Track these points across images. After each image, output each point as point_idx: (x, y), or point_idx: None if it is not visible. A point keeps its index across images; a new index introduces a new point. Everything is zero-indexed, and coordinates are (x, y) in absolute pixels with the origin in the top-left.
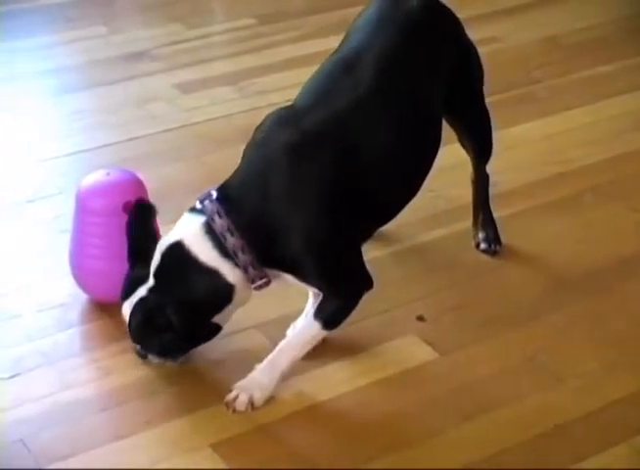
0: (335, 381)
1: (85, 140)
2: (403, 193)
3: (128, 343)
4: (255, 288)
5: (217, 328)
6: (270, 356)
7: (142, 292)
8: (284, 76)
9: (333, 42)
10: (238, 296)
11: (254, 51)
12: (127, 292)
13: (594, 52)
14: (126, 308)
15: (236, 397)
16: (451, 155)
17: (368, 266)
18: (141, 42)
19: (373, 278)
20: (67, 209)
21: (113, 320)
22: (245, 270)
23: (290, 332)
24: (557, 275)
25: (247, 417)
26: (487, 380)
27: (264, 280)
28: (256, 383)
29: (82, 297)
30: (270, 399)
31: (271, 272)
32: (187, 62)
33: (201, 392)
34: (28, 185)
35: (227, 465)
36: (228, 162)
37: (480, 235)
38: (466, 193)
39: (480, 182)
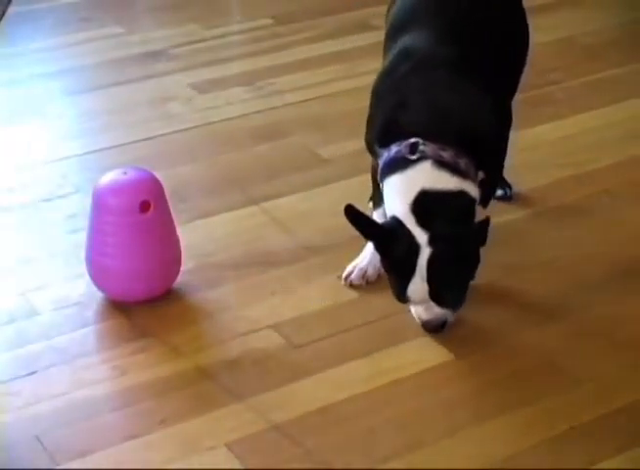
0: (350, 381)
1: (101, 139)
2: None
3: (143, 342)
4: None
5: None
6: None
7: (424, 247)
8: (300, 76)
9: (349, 42)
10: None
11: (271, 51)
12: (405, 268)
13: (609, 54)
14: (418, 280)
15: (351, 272)
16: None
17: None
18: (157, 42)
19: None
20: (83, 207)
21: (128, 319)
22: (473, 181)
23: None
24: (573, 278)
25: (262, 417)
26: (503, 381)
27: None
28: (368, 260)
29: (98, 295)
30: (285, 399)
31: None
32: (203, 62)
33: (216, 391)
34: (45, 184)
35: (242, 465)
36: (244, 161)
37: None
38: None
39: None
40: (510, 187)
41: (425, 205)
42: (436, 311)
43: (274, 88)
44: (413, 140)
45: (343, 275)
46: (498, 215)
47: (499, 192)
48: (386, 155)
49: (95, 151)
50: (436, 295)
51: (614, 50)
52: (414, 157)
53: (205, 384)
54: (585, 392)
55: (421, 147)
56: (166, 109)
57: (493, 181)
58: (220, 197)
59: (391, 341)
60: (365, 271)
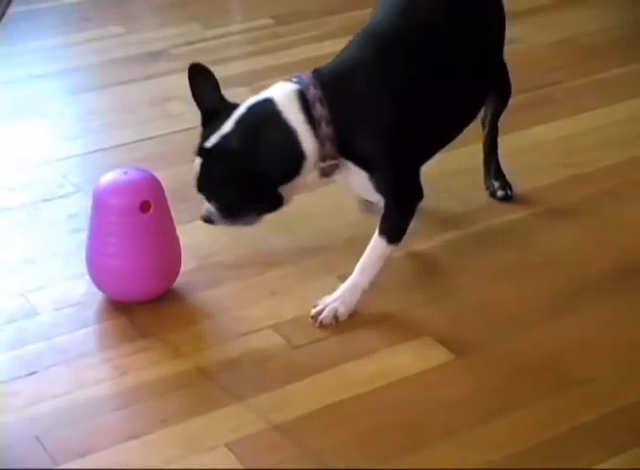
0: (350, 382)
1: (102, 139)
2: (461, 117)
3: (144, 342)
4: (323, 169)
5: (280, 199)
6: (350, 278)
7: (215, 138)
8: None
9: None
10: (305, 171)
11: (271, 51)
12: (200, 145)
13: (610, 54)
14: (198, 159)
15: (321, 311)
16: (468, 157)
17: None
18: (158, 42)
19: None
20: (83, 207)
21: (129, 319)
22: (322, 144)
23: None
24: (574, 278)
25: (262, 417)
26: (504, 381)
27: (334, 161)
28: (340, 299)
29: (99, 295)
30: (285, 399)
31: (343, 162)
32: (204, 62)
33: (216, 391)
34: (45, 184)
35: (242, 465)
36: None
37: (496, 184)
38: (482, 195)
39: (493, 133)
40: (510, 187)
41: (258, 111)
42: (206, 206)
43: None
44: (314, 74)
45: (312, 313)
46: (498, 216)
47: (500, 192)
48: None
49: (96, 150)
50: (199, 187)
51: (615, 50)
52: (294, 79)
53: (206, 384)
54: (586, 392)
55: (303, 75)
56: (167, 109)
57: (389, 206)
58: None
59: (391, 341)
60: (336, 310)
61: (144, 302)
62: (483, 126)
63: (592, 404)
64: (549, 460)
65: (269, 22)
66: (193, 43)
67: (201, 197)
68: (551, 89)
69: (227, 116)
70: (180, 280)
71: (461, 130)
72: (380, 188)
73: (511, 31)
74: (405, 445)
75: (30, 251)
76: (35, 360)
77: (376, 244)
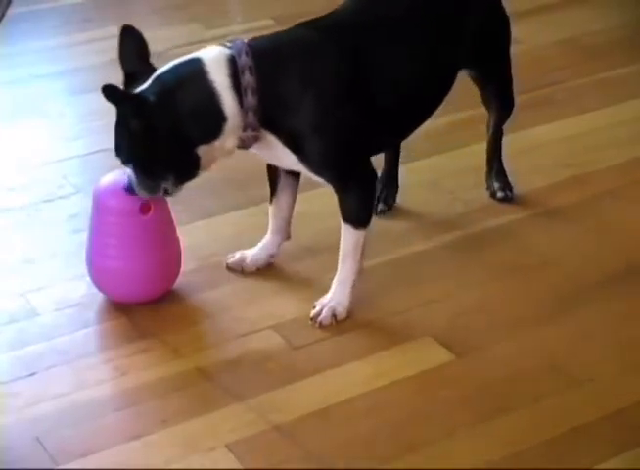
0: (351, 382)
1: (102, 140)
2: (409, 113)
3: (144, 343)
4: (242, 139)
5: (196, 161)
6: (336, 275)
7: (133, 91)
8: None
9: None
10: (225, 134)
11: None
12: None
13: (613, 54)
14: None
15: (319, 312)
16: (469, 157)
17: (385, 266)
18: (158, 42)
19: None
20: (83, 208)
21: (129, 320)
22: (245, 112)
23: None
24: (575, 278)
25: (262, 418)
26: (504, 382)
27: (254, 133)
28: (336, 298)
29: (99, 296)
30: (285, 400)
31: (267, 137)
32: None
33: (216, 392)
34: (46, 184)
35: (242, 465)
36: (244, 163)
37: (496, 185)
38: (483, 196)
39: (496, 136)
40: (510, 189)
41: (182, 69)
42: (127, 172)
43: None
44: (250, 42)
45: (311, 315)
46: (499, 216)
47: (500, 193)
48: None
49: (96, 151)
50: (116, 148)
51: (617, 50)
52: (229, 44)
53: (206, 384)
54: (585, 392)
55: (238, 41)
56: None
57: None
58: (220, 198)
59: (391, 342)
60: (334, 310)
61: (144, 302)
62: (488, 129)
63: (592, 405)
64: (549, 460)
65: (270, 22)
66: (193, 44)
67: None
68: (553, 89)
69: (149, 77)
70: (180, 281)
71: (417, 120)
72: (315, 171)
73: (513, 31)
74: (405, 445)
75: (31, 251)
76: (36, 361)
77: (344, 233)
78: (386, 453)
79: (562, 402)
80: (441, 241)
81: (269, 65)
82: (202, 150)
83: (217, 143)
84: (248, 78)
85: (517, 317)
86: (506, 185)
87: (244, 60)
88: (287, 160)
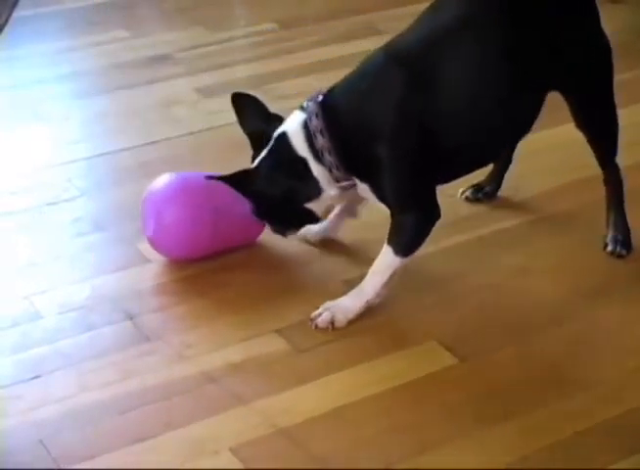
0: (354, 386)
1: (107, 143)
2: (480, 147)
3: (148, 345)
4: (342, 188)
5: (311, 214)
6: (361, 283)
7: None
8: (305, 81)
9: (355, 47)
10: (325, 189)
11: (276, 55)
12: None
13: (618, 58)
14: None
15: (320, 314)
16: None
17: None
18: (163, 46)
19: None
20: (88, 211)
21: (133, 323)
22: (329, 170)
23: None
24: (579, 282)
25: (267, 421)
26: (507, 386)
27: (349, 182)
28: (342, 306)
29: (102, 299)
30: (290, 403)
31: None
32: (209, 65)
33: (220, 395)
34: (50, 187)
35: (247, 468)
36: (249, 165)
37: (609, 235)
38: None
39: (611, 182)
40: (625, 247)
41: (277, 146)
42: None
43: (279, 92)
44: (321, 91)
45: (312, 315)
46: (503, 220)
47: (610, 247)
48: None
49: (100, 154)
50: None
51: (623, 54)
52: (305, 104)
53: (210, 387)
54: (589, 396)
55: (311, 102)
56: (172, 113)
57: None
58: None
59: (396, 345)
60: (333, 316)
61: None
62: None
63: (595, 409)
64: (553, 465)
65: (273, 26)
66: (198, 47)
67: None
68: (559, 93)
69: (267, 141)
70: (185, 283)
71: (490, 155)
72: (380, 196)
73: None
74: (409, 449)
75: (35, 254)
76: (39, 364)
77: (384, 252)
78: (391, 457)
79: (565, 407)
80: (446, 245)
81: (339, 125)
82: (312, 205)
83: (323, 197)
84: (321, 141)
85: (521, 321)
86: (621, 239)
87: (314, 123)
88: (365, 194)
